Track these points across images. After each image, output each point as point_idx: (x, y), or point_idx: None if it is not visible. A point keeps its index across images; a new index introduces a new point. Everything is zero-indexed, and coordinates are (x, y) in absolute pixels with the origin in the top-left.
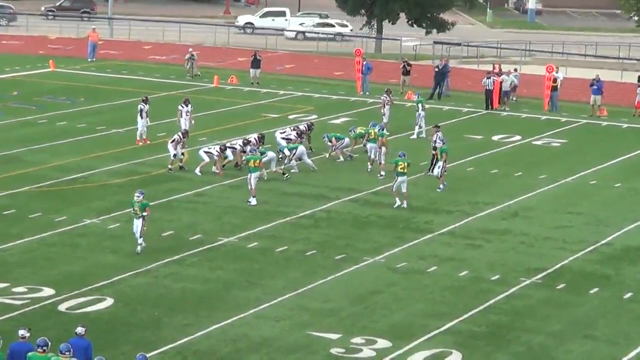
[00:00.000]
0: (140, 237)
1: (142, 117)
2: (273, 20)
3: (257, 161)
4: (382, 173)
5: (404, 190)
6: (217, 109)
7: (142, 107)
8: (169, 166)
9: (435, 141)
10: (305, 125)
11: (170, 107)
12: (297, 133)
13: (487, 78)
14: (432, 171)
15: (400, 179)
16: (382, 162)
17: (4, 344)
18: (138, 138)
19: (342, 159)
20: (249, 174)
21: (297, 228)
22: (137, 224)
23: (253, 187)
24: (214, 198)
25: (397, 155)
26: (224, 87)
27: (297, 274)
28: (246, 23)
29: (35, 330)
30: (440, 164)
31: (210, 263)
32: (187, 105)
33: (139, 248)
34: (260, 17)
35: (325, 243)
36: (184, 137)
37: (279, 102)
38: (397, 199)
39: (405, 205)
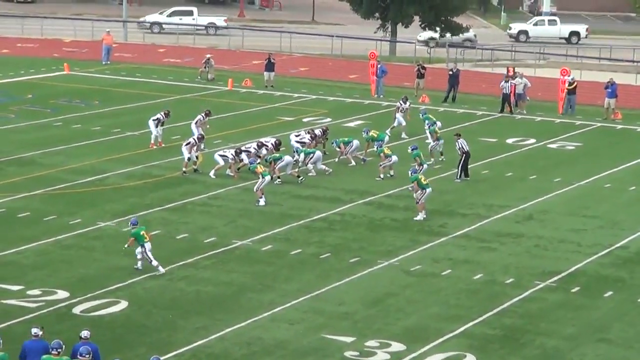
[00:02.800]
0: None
1: (156, 126)
2: (180, 19)
3: (272, 162)
4: (381, 176)
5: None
6: (231, 111)
7: (161, 118)
8: (184, 169)
9: (461, 147)
10: (321, 130)
11: (184, 110)
12: (311, 136)
13: (505, 82)
14: (458, 177)
15: (428, 190)
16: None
17: (16, 347)
18: (152, 142)
19: (353, 163)
20: (265, 178)
21: (311, 231)
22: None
23: (258, 189)
24: (228, 201)
25: (411, 173)
26: (238, 90)
27: (311, 277)
28: (153, 22)
29: (50, 333)
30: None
31: (224, 266)
32: (206, 117)
33: (161, 269)
34: (167, 16)
35: (340, 246)
36: (199, 141)
37: (293, 105)
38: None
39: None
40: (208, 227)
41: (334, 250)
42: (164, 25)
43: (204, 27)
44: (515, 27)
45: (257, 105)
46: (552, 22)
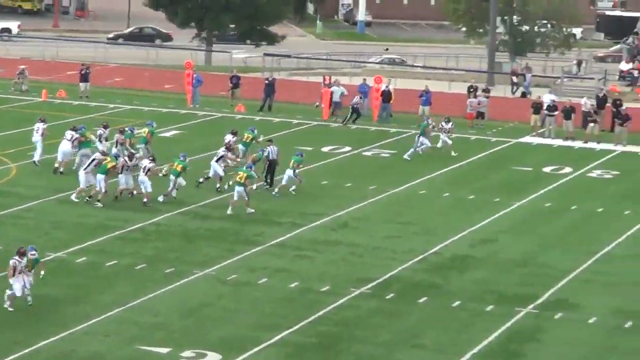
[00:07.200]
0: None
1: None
2: None
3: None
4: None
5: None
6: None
7: (102, 132)
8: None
9: (268, 155)
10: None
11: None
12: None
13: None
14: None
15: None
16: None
17: None
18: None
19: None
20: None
21: (127, 242)
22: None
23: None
24: (43, 213)
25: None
26: (52, 101)
27: (126, 289)
28: None
29: None
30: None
31: (38, 278)
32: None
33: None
34: None
35: (155, 257)
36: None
37: (108, 115)
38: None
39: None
40: (22, 239)
41: (149, 260)
42: None
43: None
44: None
45: (72, 116)
46: None
